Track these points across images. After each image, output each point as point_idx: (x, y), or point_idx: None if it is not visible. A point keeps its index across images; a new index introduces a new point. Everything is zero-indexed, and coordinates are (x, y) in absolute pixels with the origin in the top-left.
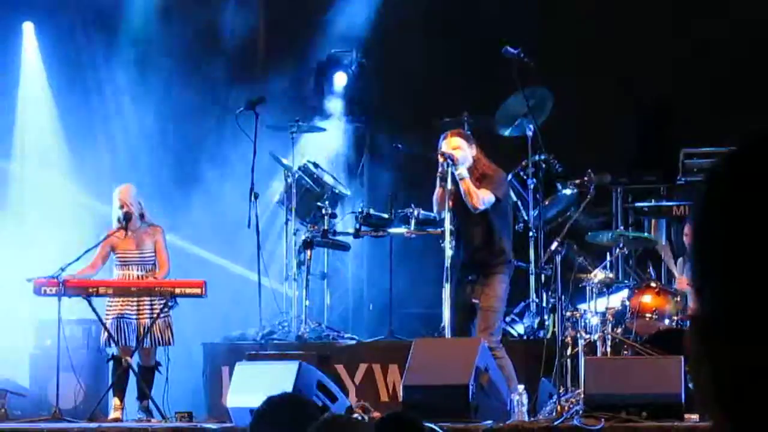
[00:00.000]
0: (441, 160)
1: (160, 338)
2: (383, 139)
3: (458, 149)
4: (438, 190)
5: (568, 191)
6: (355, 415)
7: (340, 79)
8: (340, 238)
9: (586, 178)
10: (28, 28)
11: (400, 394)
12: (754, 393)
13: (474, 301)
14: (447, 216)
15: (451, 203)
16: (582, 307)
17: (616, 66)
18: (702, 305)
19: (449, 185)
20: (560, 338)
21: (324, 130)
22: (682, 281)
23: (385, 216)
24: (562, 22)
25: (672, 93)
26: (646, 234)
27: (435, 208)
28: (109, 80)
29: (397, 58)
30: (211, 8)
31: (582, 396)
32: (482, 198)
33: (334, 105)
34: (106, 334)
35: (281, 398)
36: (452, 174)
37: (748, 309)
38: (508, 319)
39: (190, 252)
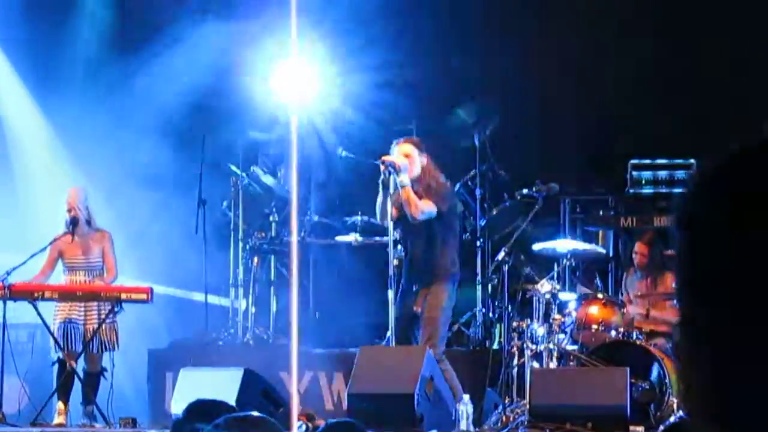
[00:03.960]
0: (382, 168)
1: (106, 343)
2: (332, 146)
3: (406, 156)
4: (380, 198)
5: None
6: (299, 424)
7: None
8: (286, 245)
9: (534, 188)
10: None
11: (345, 402)
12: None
13: (417, 310)
14: (390, 224)
15: (395, 212)
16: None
17: (565, 76)
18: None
19: (391, 192)
20: (506, 348)
21: (271, 135)
22: (634, 308)
23: (332, 224)
24: (512, 32)
25: (621, 104)
26: (593, 245)
27: (378, 216)
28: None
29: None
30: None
31: (527, 406)
32: (422, 208)
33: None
34: (51, 337)
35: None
36: (394, 181)
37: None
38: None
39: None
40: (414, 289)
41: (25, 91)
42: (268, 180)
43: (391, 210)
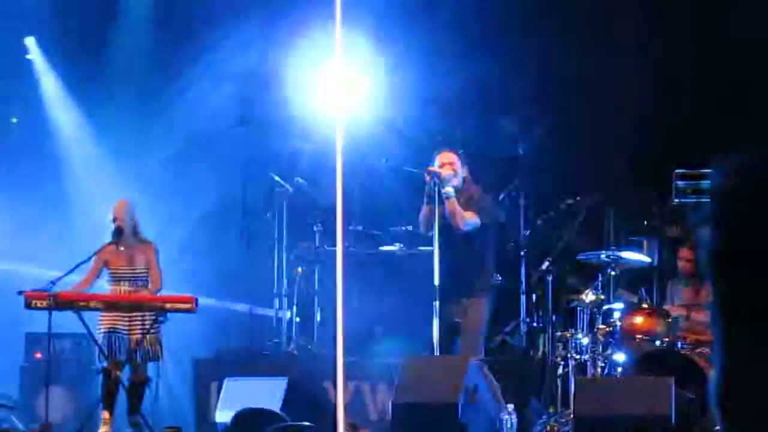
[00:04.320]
0: (427, 179)
1: (150, 353)
2: (374, 156)
3: (451, 165)
4: (424, 209)
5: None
6: None
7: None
8: (330, 255)
9: (578, 198)
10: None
11: (389, 412)
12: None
13: (457, 321)
14: (436, 235)
15: (438, 222)
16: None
17: (610, 84)
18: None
19: (436, 204)
20: (550, 358)
21: (317, 146)
22: (675, 309)
23: (376, 233)
24: (556, 40)
25: (667, 112)
26: (638, 255)
27: (421, 227)
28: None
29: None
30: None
31: (571, 416)
32: (467, 219)
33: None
34: (97, 347)
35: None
36: (438, 192)
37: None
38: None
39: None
40: (454, 299)
41: (70, 100)
42: (311, 190)
43: (436, 221)
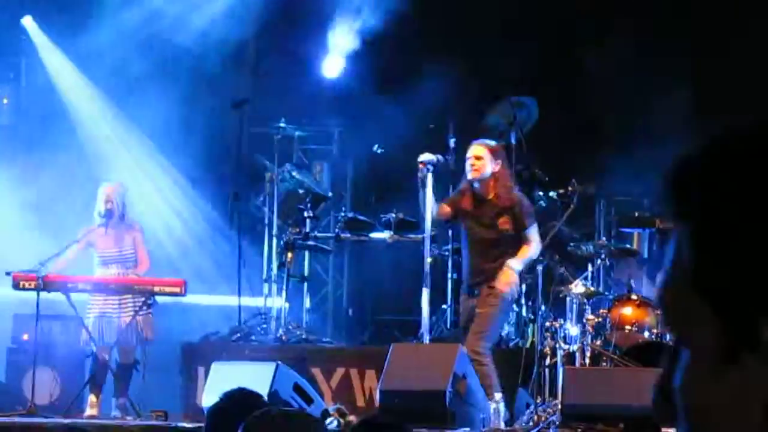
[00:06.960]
0: (420, 166)
1: (139, 336)
2: (366, 143)
3: (477, 159)
4: (428, 198)
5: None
6: (330, 419)
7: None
8: (321, 241)
9: (570, 188)
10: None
11: (377, 399)
12: None
13: (478, 311)
14: (428, 222)
15: (450, 212)
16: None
17: (603, 75)
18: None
19: (429, 191)
20: (539, 348)
21: (309, 132)
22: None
23: (367, 220)
24: (550, 30)
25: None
26: (628, 245)
27: (434, 214)
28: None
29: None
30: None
31: (559, 406)
32: (530, 256)
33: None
34: (85, 330)
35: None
36: (432, 180)
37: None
38: None
39: (167, 250)
40: (477, 293)
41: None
42: (302, 176)
43: (438, 209)
